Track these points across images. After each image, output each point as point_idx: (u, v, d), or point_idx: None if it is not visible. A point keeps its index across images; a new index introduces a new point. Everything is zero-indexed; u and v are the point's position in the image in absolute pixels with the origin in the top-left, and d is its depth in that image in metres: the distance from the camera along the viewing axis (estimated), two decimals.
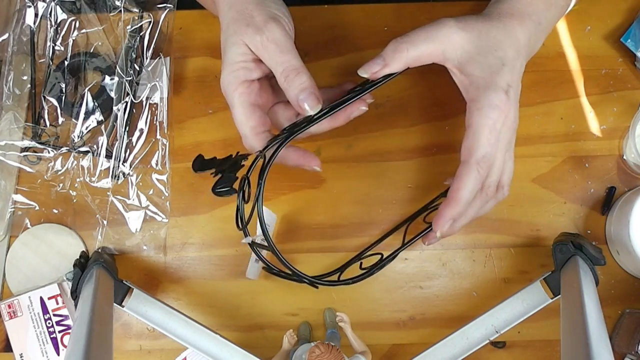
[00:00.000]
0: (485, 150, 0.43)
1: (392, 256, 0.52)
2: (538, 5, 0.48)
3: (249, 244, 0.46)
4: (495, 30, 0.45)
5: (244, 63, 0.46)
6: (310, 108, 0.45)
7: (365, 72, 0.46)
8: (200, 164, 0.43)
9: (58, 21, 0.59)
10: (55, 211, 0.59)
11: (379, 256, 0.52)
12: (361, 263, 0.52)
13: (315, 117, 0.45)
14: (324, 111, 0.45)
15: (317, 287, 0.49)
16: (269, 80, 0.49)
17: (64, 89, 0.58)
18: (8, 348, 0.57)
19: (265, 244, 0.45)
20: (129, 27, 0.59)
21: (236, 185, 0.43)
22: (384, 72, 0.45)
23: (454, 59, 0.45)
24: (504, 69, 0.44)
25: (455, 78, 0.47)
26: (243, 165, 0.44)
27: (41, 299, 0.57)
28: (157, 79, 0.59)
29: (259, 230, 0.45)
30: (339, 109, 0.46)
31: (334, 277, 0.53)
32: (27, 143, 0.58)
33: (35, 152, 0.59)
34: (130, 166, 0.58)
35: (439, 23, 0.45)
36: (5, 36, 0.59)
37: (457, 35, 0.44)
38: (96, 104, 0.58)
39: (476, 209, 0.46)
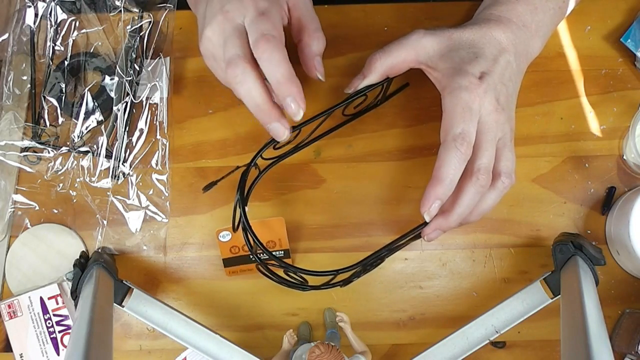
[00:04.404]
0: (460, 126, 0.43)
1: (382, 254, 0.50)
2: (518, 10, 0.50)
3: (253, 256, 0.48)
4: (469, 33, 0.47)
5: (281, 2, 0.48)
6: (321, 76, 0.50)
7: (349, 89, 0.51)
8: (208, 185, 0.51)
9: (58, 21, 0.59)
10: (55, 211, 0.59)
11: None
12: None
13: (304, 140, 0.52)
14: (309, 121, 0.50)
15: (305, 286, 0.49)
16: None
17: (64, 89, 0.58)
18: (8, 348, 0.57)
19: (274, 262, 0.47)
20: (129, 27, 0.59)
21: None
22: (364, 83, 0.50)
23: (427, 59, 0.48)
24: (477, 59, 0.46)
25: (430, 77, 0.49)
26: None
27: (41, 299, 0.57)
28: (157, 79, 0.59)
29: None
30: (326, 115, 0.50)
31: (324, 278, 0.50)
32: (27, 143, 0.58)
33: (35, 152, 0.59)
34: (130, 166, 0.58)
35: (410, 33, 0.49)
36: (5, 36, 0.59)
37: (427, 39, 0.48)
38: (96, 104, 0.58)
39: (471, 197, 0.45)
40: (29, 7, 0.59)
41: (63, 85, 0.58)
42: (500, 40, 0.47)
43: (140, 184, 0.59)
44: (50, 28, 0.59)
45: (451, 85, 0.45)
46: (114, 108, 0.58)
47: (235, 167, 0.50)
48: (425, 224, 0.48)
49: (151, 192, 0.59)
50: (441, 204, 0.45)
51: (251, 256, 0.48)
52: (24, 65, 0.59)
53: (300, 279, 0.48)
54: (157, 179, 0.59)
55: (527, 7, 0.50)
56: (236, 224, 0.48)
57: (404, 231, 0.58)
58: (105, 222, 0.58)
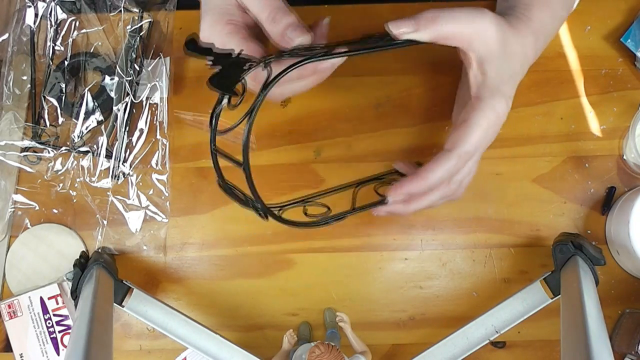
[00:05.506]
0: (471, 147, 0.44)
1: (340, 217, 0.49)
2: (546, 20, 0.48)
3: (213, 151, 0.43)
4: (514, 40, 0.45)
5: (228, 7, 0.44)
6: (299, 39, 0.43)
7: (394, 28, 0.43)
8: (195, 46, 0.38)
9: (58, 21, 0.59)
10: (55, 211, 0.59)
11: (325, 208, 0.49)
12: (306, 209, 0.49)
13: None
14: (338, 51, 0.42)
15: (265, 218, 0.44)
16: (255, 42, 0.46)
17: (64, 89, 0.58)
18: (8, 348, 0.57)
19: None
20: (129, 27, 0.59)
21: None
22: (411, 36, 0.43)
23: (479, 52, 0.44)
24: (510, 80, 0.45)
25: (470, 70, 0.46)
26: (246, 69, 0.39)
27: (41, 299, 0.57)
28: (157, 79, 0.59)
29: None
30: (349, 54, 0.43)
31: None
32: (27, 143, 0.58)
33: (35, 152, 0.59)
34: (130, 166, 0.58)
35: (480, 11, 0.43)
36: (5, 36, 0.59)
37: (491, 32, 0.43)
38: (96, 104, 0.58)
39: (435, 198, 0.46)
40: (29, 7, 0.59)
41: (63, 85, 0.58)
42: (529, 56, 0.47)
43: (140, 184, 0.59)
44: (50, 28, 0.59)
45: (487, 102, 0.44)
46: (114, 108, 0.58)
47: (240, 51, 0.40)
48: (382, 202, 0.48)
49: (151, 192, 0.59)
50: (407, 198, 0.46)
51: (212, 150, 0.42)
52: (24, 65, 0.59)
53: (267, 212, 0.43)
54: (157, 179, 0.59)
55: (551, 17, 0.49)
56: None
57: (403, 231, 0.58)
58: (105, 222, 0.58)
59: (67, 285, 0.58)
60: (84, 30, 0.60)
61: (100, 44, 0.60)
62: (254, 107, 0.39)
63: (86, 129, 0.58)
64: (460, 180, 0.46)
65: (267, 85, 0.38)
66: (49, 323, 0.57)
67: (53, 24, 0.59)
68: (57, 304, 0.58)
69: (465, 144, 0.43)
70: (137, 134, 0.59)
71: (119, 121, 0.58)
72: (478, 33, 0.43)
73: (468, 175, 0.48)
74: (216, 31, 0.44)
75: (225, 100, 0.40)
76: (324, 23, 0.47)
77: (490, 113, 0.43)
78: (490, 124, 0.43)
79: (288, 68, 0.39)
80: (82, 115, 0.58)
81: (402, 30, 0.43)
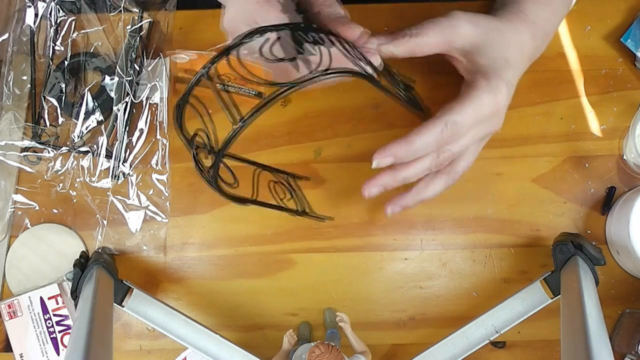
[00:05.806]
0: (461, 118, 0.43)
1: (264, 204, 0.47)
2: (544, 15, 0.48)
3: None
4: (504, 28, 0.46)
5: None
6: (339, 9, 0.43)
7: (375, 44, 0.44)
8: None
9: (58, 21, 0.59)
10: (55, 211, 0.59)
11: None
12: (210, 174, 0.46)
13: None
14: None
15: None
16: None
17: (64, 89, 0.58)
18: (8, 348, 0.57)
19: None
20: (129, 27, 0.59)
21: None
22: (389, 49, 0.44)
23: (461, 49, 0.45)
24: (507, 65, 0.45)
25: (459, 65, 0.47)
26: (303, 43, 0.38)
27: (41, 299, 0.57)
28: (157, 79, 0.59)
29: None
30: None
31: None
32: (27, 143, 0.58)
33: (35, 152, 0.59)
34: (130, 166, 0.58)
35: (450, 16, 0.45)
36: (5, 36, 0.59)
37: (465, 29, 0.45)
38: (96, 104, 0.58)
39: (425, 167, 0.45)
40: (29, 7, 0.59)
41: (63, 85, 0.58)
42: (526, 44, 0.47)
43: (140, 184, 0.59)
44: (50, 28, 0.59)
45: (481, 82, 0.44)
46: (114, 108, 0.58)
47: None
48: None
49: (151, 192, 0.59)
50: (393, 162, 0.44)
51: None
52: (24, 65, 0.59)
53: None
54: (157, 179, 0.59)
55: (550, 12, 0.49)
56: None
57: (403, 231, 0.58)
58: (105, 222, 0.58)
59: (67, 285, 0.58)
60: (84, 30, 0.60)
61: (100, 44, 0.60)
62: (290, 88, 0.37)
63: (86, 129, 0.58)
64: (453, 154, 0.45)
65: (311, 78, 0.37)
66: (49, 323, 0.57)
67: (53, 24, 0.59)
68: (57, 304, 0.58)
69: (454, 113, 0.43)
70: (137, 134, 0.59)
71: (119, 121, 0.58)
72: (451, 36, 0.45)
73: (464, 159, 0.47)
74: (243, 1, 0.43)
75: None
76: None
77: (486, 95, 0.43)
78: (485, 104, 0.43)
79: (339, 71, 0.38)
80: (82, 115, 0.58)
81: (380, 41, 0.44)
